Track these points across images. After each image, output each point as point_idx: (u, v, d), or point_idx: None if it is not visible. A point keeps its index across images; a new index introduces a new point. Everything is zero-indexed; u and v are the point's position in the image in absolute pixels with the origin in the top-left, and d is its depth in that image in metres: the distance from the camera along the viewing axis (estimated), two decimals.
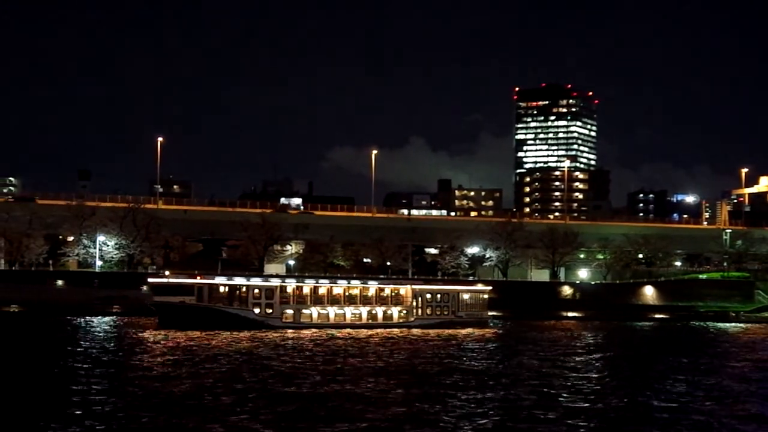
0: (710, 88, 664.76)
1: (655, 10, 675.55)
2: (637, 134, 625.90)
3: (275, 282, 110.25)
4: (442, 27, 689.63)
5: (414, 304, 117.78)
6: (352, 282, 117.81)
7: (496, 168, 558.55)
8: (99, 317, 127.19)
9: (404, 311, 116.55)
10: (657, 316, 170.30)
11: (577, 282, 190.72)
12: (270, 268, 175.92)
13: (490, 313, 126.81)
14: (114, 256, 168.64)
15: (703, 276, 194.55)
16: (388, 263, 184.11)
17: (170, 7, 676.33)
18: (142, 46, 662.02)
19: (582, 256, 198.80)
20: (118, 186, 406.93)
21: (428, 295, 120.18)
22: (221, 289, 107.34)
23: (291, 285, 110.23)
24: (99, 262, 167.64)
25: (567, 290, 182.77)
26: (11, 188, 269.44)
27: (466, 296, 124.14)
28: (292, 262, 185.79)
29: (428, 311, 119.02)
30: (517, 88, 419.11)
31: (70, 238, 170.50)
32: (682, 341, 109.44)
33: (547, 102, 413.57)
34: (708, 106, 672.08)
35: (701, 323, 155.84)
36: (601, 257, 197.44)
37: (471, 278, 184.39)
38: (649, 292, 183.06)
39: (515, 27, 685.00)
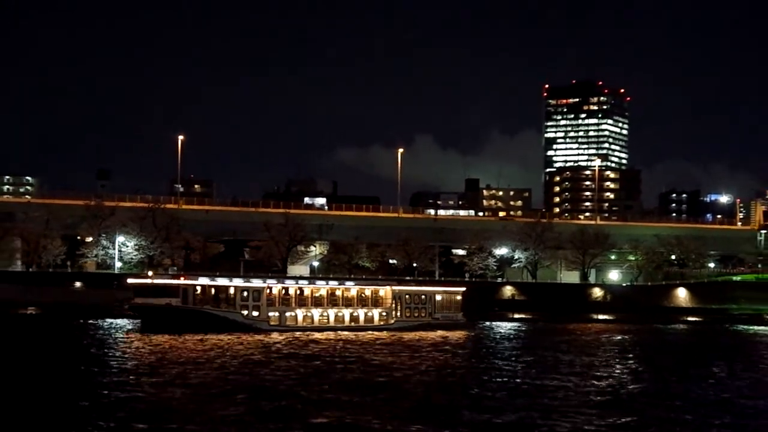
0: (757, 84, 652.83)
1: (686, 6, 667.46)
2: (668, 132, 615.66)
3: (260, 283, 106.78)
4: (448, 15, 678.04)
5: (393, 305, 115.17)
6: (331, 283, 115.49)
7: (514, 166, 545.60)
8: (119, 320, 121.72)
9: (384, 313, 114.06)
10: (689, 318, 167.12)
11: (608, 284, 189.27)
12: (293, 270, 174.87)
13: (518, 316, 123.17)
14: (133, 257, 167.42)
15: (737, 278, 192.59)
16: (415, 264, 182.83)
17: (191, 4, 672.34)
18: (162, 42, 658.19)
19: (613, 257, 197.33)
20: (138, 185, 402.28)
21: (407, 297, 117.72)
22: (207, 290, 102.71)
23: (276, 286, 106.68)
24: (118, 264, 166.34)
25: (597, 292, 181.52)
26: (28, 188, 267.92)
27: (439, 297, 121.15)
28: (316, 264, 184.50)
29: (407, 313, 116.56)
30: (547, 86, 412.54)
31: (89, 239, 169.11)
32: (718, 345, 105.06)
33: (577, 99, 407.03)
34: (740, 103, 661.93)
35: (734, 326, 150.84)
36: (633, 258, 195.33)
37: (499, 280, 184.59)
38: (681, 294, 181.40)
39: (536, 19, 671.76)
